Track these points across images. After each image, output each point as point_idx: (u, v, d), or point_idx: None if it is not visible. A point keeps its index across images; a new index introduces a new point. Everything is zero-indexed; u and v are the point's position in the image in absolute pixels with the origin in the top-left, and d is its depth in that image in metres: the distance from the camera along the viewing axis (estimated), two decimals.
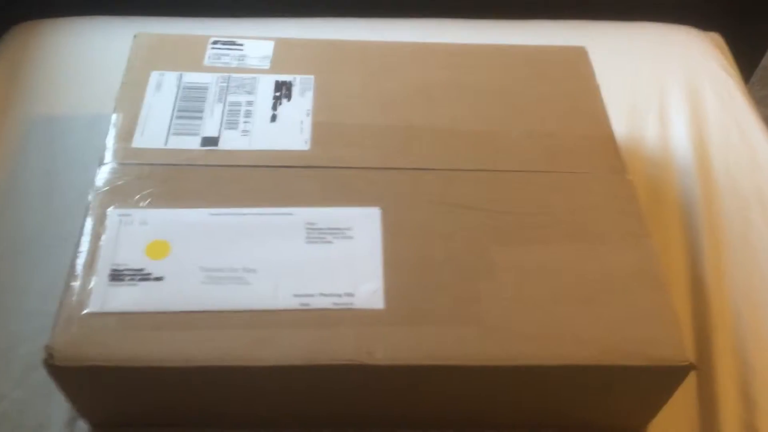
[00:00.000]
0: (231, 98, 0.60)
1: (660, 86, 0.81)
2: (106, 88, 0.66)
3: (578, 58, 0.66)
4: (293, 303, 0.48)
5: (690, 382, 0.57)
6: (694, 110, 0.78)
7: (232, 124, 0.58)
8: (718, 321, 0.62)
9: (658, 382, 0.49)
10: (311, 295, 0.49)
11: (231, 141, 0.57)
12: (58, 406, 0.53)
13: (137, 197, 0.53)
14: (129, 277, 0.49)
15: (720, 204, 0.70)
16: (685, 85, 0.81)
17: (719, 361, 0.60)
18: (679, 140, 0.76)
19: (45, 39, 0.81)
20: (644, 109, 0.78)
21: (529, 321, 0.48)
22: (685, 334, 0.60)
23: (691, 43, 0.86)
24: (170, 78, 0.61)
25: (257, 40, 0.65)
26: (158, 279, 0.49)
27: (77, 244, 0.50)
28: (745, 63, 0.91)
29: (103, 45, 0.80)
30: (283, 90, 0.61)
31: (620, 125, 0.74)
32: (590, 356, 0.47)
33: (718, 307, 0.63)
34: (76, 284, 0.48)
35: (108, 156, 0.56)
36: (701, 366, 0.59)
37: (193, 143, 0.57)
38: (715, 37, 0.89)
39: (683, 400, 0.57)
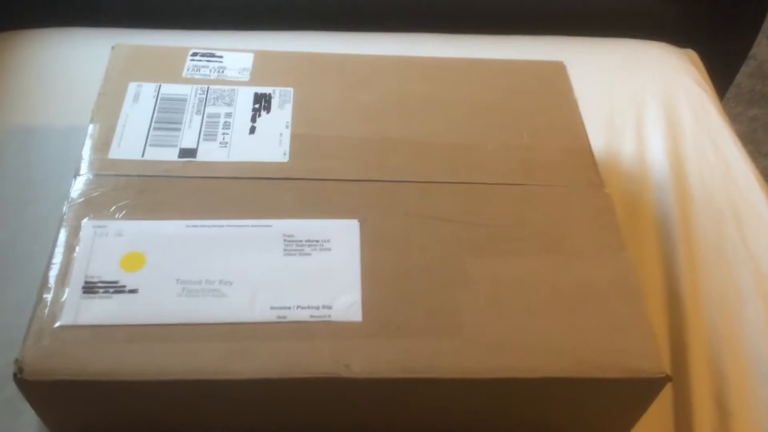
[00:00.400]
0: (209, 110, 0.60)
1: (636, 102, 0.82)
2: (83, 99, 0.65)
3: (556, 73, 0.67)
4: (270, 315, 0.48)
5: (666, 393, 0.58)
6: (670, 125, 0.80)
7: (210, 136, 0.58)
8: (694, 333, 0.63)
9: (634, 393, 0.49)
10: (288, 308, 0.48)
11: (209, 152, 0.57)
12: (27, 422, 0.52)
13: (113, 209, 0.52)
14: (103, 290, 0.48)
15: (695, 218, 0.71)
16: (662, 101, 0.82)
17: (695, 373, 0.60)
18: (656, 155, 0.77)
19: (22, 50, 0.80)
20: (621, 124, 0.79)
21: (506, 333, 0.48)
22: (661, 347, 0.61)
23: (667, 59, 0.88)
24: (148, 89, 0.61)
25: (236, 52, 0.65)
26: (133, 291, 0.48)
27: (50, 256, 0.49)
28: (720, 80, 0.92)
29: (81, 56, 0.80)
30: (262, 102, 0.61)
31: (597, 140, 0.74)
32: (566, 368, 0.47)
33: (694, 320, 0.63)
34: (48, 296, 0.47)
35: (84, 167, 0.55)
36: (677, 378, 0.60)
37: (170, 155, 0.56)
38: (691, 54, 0.90)
39: (659, 412, 0.57)
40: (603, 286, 0.51)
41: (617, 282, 0.51)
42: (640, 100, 0.82)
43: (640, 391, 0.49)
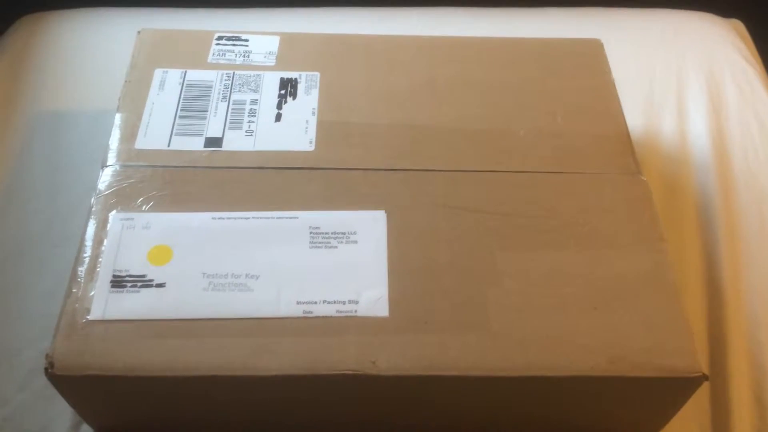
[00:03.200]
0: (235, 97, 0.59)
1: (678, 77, 0.78)
2: (112, 81, 0.65)
3: (593, 51, 0.64)
4: (296, 310, 0.47)
5: (703, 387, 0.55)
6: (713, 102, 0.76)
7: (236, 124, 0.57)
8: (734, 323, 0.61)
9: (669, 392, 0.48)
10: (314, 303, 0.48)
11: (235, 142, 0.56)
12: (61, 410, 0.53)
13: (140, 201, 0.52)
14: (131, 284, 0.48)
15: (738, 201, 0.68)
16: (704, 76, 0.78)
17: (733, 365, 0.59)
18: (697, 134, 0.73)
19: (50, 31, 0.80)
20: (661, 100, 0.76)
21: (537, 329, 0.47)
22: (699, 338, 0.59)
23: (711, 30, 0.84)
24: (174, 76, 0.60)
25: (262, 35, 0.64)
26: (160, 285, 0.48)
27: (79, 249, 0.50)
28: None
29: (108, 37, 0.79)
30: (288, 88, 0.60)
31: (636, 118, 0.72)
32: (598, 366, 0.46)
33: (734, 309, 0.61)
34: (77, 291, 0.48)
35: (111, 158, 0.55)
36: (715, 371, 0.58)
37: (196, 144, 0.56)
38: (736, 24, 0.86)
39: (695, 405, 0.56)
40: (638, 280, 0.49)
41: (653, 276, 0.49)
42: (682, 75, 0.78)
43: (675, 390, 0.47)
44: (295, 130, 0.57)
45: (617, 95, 0.61)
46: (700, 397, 0.56)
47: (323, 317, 0.47)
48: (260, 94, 0.59)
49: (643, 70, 0.79)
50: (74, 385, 0.47)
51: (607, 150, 0.57)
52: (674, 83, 0.78)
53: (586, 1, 0.85)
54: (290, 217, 0.52)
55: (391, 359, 0.46)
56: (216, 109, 0.58)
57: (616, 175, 0.55)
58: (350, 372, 0.45)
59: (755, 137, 0.74)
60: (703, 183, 0.70)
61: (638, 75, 0.78)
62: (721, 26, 0.84)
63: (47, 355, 0.45)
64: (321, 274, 0.49)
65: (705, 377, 0.46)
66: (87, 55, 0.78)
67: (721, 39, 0.83)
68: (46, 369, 0.45)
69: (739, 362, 0.58)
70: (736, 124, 0.75)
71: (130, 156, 0.55)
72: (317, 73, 0.61)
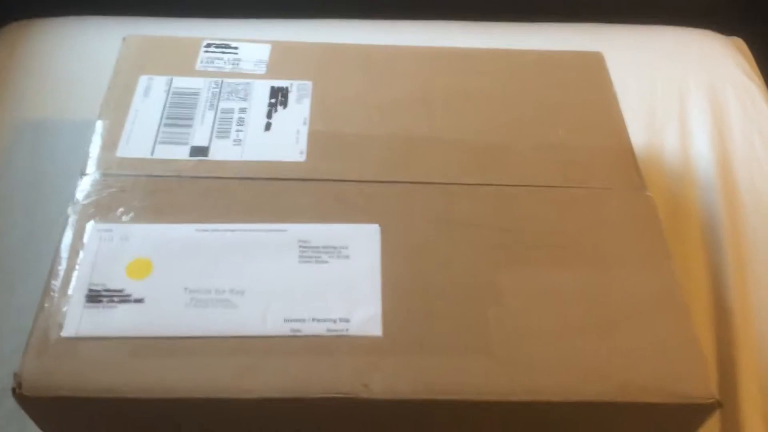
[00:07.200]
0: (223, 105, 0.57)
1: (680, 94, 0.77)
2: (98, 91, 0.62)
3: (594, 64, 0.62)
4: (284, 329, 0.44)
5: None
6: (716, 119, 0.75)
7: (223, 133, 0.55)
8: (743, 347, 0.58)
9: (680, 419, 0.45)
10: (303, 321, 0.45)
11: (222, 151, 0.53)
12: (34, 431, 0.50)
13: (119, 211, 0.49)
14: (107, 299, 0.45)
15: (744, 221, 0.66)
16: (707, 93, 0.77)
17: (744, 391, 0.56)
18: (701, 151, 0.72)
19: (36, 39, 0.78)
20: (663, 118, 0.75)
21: (540, 352, 0.44)
22: (709, 362, 0.56)
23: (713, 47, 0.83)
24: (159, 83, 0.58)
25: (253, 42, 0.62)
26: (138, 301, 0.45)
27: (53, 262, 0.47)
28: None
29: (95, 46, 0.77)
30: (278, 96, 0.57)
31: (638, 135, 0.70)
32: (607, 392, 0.43)
33: (743, 333, 0.59)
34: (50, 306, 0.45)
35: (90, 166, 0.52)
36: (725, 396, 0.55)
37: (181, 153, 0.53)
38: (738, 42, 0.85)
39: (705, 430, 0.53)
40: (646, 300, 0.47)
41: (662, 296, 0.47)
42: (684, 93, 0.77)
43: (686, 417, 0.45)
44: (285, 140, 0.54)
45: (620, 109, 0.59)
46: (710, 425, 0.54)
47: (313, 336, 0.44)
48: (249, 102, 0.57)
49: (644, 87, 0.77)
50: (44, 407, 0.43)
51: (611, 164, 0.55)
52: (676, 100, 0.77)
53: (585, 17, 0.84)
54: (279, 230, 0.49)
55: (385, 382, 0.43)
56: (203, 117, 0.56)
57: (621, 190, 0.53)
58: (341, 395, 0.42)
59: (759, 154, 0.72)
60: (707, 201, 0.68)
61: (640, 92, 0.76)
62: (723, 44, 0.83)
63: (15, 374, 0.42)
64: (310, 290, 0.46)
65: (719, 404, 0.43)
66: (73, 63, 0.76)
67: (722, 56, 0.81)
68: (13, 389, 0.42)
69: (749, 385, 0.56)
70: (740, 141, 0.73)
71: (110, 164, 0.52)
72: (309, 82, 0.58)
